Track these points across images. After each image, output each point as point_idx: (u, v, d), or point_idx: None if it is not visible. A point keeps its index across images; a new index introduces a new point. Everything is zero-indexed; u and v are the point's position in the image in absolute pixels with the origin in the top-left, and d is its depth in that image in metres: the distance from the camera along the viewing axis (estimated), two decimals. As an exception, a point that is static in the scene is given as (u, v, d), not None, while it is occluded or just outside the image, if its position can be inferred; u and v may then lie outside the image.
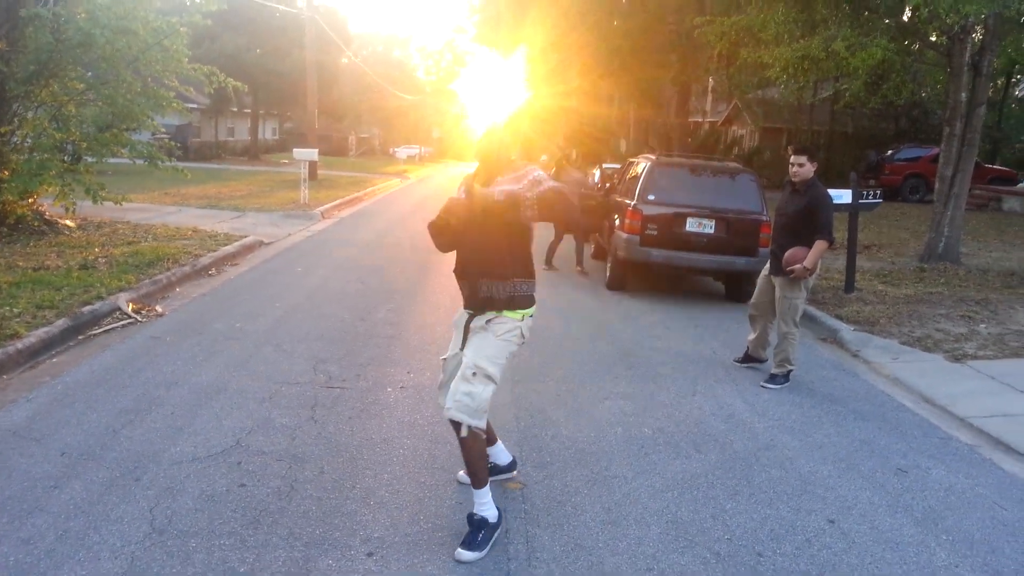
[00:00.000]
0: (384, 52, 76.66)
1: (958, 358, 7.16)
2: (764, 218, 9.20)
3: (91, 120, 11.22)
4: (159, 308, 7.37)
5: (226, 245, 10.64)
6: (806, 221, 6.08)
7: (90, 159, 11.22)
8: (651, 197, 9.27)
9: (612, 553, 3.46)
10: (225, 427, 4.56)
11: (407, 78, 74.50)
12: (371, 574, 3.16)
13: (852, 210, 9.83)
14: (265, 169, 32.20)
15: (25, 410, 4.69)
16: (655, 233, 9.15)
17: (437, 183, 34.18)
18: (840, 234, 12.70)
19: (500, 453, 4.09)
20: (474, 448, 3.48)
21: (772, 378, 6.31)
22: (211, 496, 3.71)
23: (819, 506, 4.10)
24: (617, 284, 9.86)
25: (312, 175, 22.35)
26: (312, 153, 18.90)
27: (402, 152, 64.00)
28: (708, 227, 9.17)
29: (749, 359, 6.79)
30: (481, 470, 3.51)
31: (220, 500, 3.67)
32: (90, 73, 11.00)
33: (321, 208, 16.75)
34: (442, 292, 8.86)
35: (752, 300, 6.76)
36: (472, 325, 3.63)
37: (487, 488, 3.51)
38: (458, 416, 3.41)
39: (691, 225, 9.17)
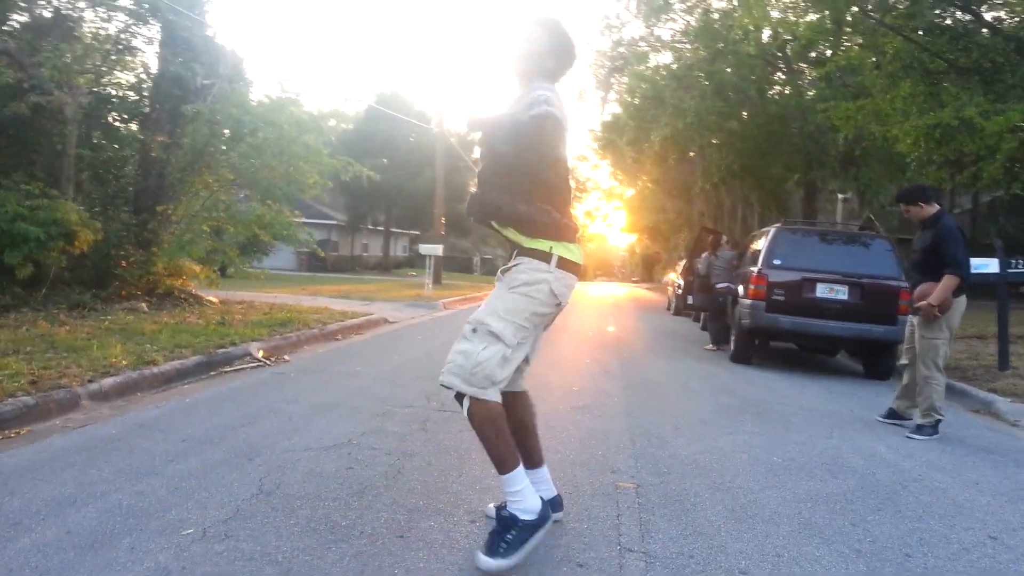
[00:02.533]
0: (510, 177, 80.00)
1: None
2: (904, 284, 8.66)
3: (242, 228, 12.03)
4: (287, 357, 7.63)
5: (353, 319, 11.02)
6: (936, 257, 5.71)
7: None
8: (776, 262, 8.95)
9: (736, 541, 3.15)
10: (338, 430, 4.57)
11: (531, 201, 76.98)
12: (472, 535, 2.99)
13: (1000, 280, 9.13)
14: (394, 279, 33.58)
15: (153, 413, 4.87)
16: (782, 299, 8.78)
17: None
18: (979, 325, 11.82)
19: (541, 483, 3.04)
20: (484, 425, 2.68)
21: (919, 429, 5.75)
22: (319, 474, 3.67)
23: (977, 525, 3.61)
24: (742, 357, 9.42)
25: (437, 280, 23.16)
26: (437, 248, 19.59)
27: (525, 270, 65.33)
28: (841, 293, 8.72)
29: (894, 415, 6.23)
30: (501, 451, 2.70)
31: (328, 477, 3.63)
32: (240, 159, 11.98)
33: (443, 301, 17.18)
34: (563, 347, 8.75)
35: (904, 346, 6.30)
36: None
37: (516, 474, 2.71)
38: (449, 380, 2.71)
39: (822, 291, 8.74)
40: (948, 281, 5.58)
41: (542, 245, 2.75)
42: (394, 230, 47.73)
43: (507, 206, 2.75)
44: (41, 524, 2.88)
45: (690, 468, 4.24)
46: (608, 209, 60.72)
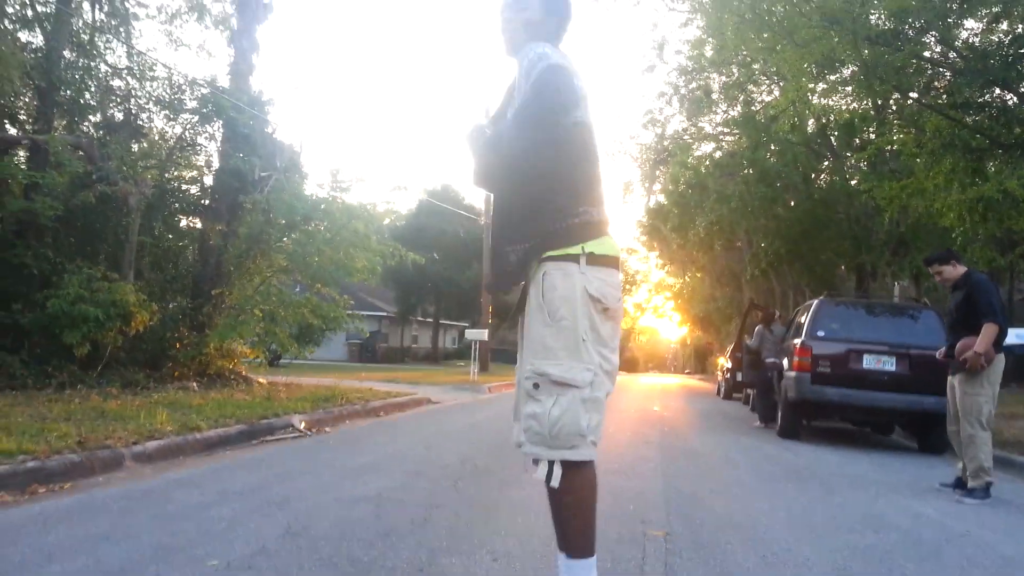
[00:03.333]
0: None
1: None
2: (953, 356, 8.44)
3: (293, 312, 12.42)
4: (328, 429, 7.72)
5: (397, 398, 11.12)
6: (971, 311, 5.62)
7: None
8: (820, 333, 8.83)
9: (764, 582, 3.06)
10: (371, 486, 4.60)
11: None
12: (493, 571, 2.98)
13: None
14: (443, 368, 33.78)
15: (193, 473, 4.98)
16: (828, 371, 8.60)
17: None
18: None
19: None
20: (567, 491, 2.24)
21: (970, 492, 5.53)
22: (347, 520, 3.70)
23: (1028, 576, 3.45)
24: (789, 431, 9.19)
25: (484, 367, 23.22)
26: (482, 334, 19.78)
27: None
28: (889, 364, 8.52)
29: (961, 484, 5.82)
30: (575, 525, 2.26)
31: (355, 523, 3.66)
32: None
33: (488, 385, 17.19)
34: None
35: (948, 414, 6.06)
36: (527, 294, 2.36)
37: (587, 564, 2.26)
38: (532, 450, 2.25)
39: (869, 362, 8.56)
40: (988, 329, 5.48)
41: (571, 251, 2.29)
42: (444, 322, 48.26)
43: (519, 254, 2.31)
44: (72, 556, 2.96)
45: (724, 523, 4.15)
46: (658, 301, 60.65)
